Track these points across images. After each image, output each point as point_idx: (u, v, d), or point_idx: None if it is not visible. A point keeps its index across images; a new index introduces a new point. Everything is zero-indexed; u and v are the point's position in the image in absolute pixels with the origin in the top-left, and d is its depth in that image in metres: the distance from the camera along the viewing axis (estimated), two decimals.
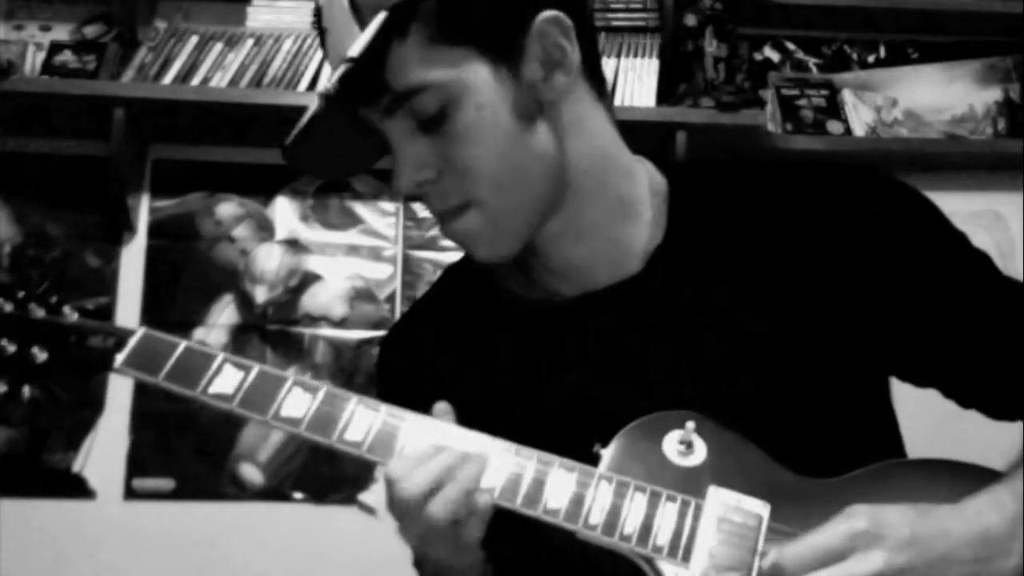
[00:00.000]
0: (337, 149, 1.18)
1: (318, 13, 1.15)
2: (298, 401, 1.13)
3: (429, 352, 1.30)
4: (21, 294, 1.12)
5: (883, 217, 1.18)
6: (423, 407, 1.14)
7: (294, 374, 1.16)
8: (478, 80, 1.09)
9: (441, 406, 1.14)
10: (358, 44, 1.03)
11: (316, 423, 1.12)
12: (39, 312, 1.12)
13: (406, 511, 1.07)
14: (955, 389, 1.21)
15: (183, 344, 1.15)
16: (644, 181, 1.24)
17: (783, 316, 1.16)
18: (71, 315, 1.14)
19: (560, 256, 1.20)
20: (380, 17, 1.02)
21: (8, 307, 1.12)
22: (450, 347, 1.28)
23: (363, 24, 1.05)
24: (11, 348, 1.10)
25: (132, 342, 1.15)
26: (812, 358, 1.16)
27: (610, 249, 1.20)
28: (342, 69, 1.05)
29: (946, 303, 1.16)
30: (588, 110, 1.18)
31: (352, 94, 1.09)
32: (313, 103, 1.13)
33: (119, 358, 1.14)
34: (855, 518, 0.98)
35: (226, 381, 1.13)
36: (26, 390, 1.09)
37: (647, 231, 1.22)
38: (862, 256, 1.17)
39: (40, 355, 1.12)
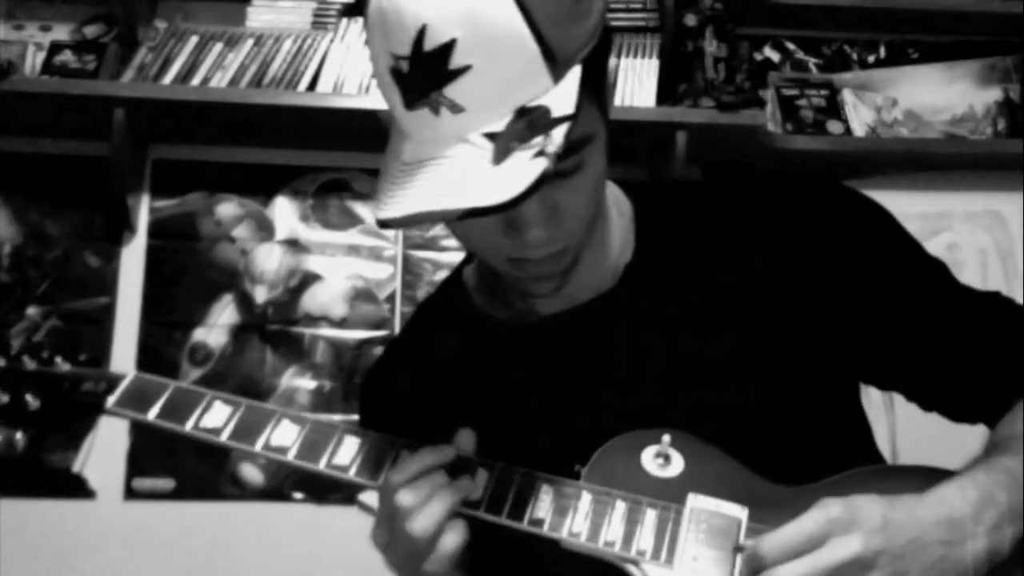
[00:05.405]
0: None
1: (434, 52, 0.95)
2: (286, 432, 1.16)
3: (410, 388, 1.31)
4: (14, 350, 1.16)
5: (844, 228, 1.21)
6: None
7: (280, 407, 1.19)
8: (604, 131, 1.09)
9: (465, 433, 1.16)
10: (568, 99, 0.95)
11: (304, 451, 1.16)
12: (31, 364, 1.16)
13: (393, 524, 1.10)
14: (915, 393, 1.24)
15: (173, 384, 1.19)
16: (613, 203, 1.26)
17: (753, 326, 1.19)
18: (63, 365, 1.18)
19: None
20: (577, 71, 0.97)
21: (0, 362, 1.15)
22: (432, 377, 1.30)
23: (556, 74, 0.96)
24: (4, 398, 1.14)
25: (123, 384, 1.19)
26: (784, 366, 1.19)
27: (589, 269, 1.22)
28: (564, 127, 0.94)
29: (905, 309, 1.20)
30: None
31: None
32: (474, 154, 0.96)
33: (110, 400, 1.18)
34: (829, 507, 1.01)
35: (216, 416, 1.16)
36: (19, 436, 1.13)
37: (618, 249, 1.24)
38: (825, 266, 1.20)
39: (33, 403, 1.15)
